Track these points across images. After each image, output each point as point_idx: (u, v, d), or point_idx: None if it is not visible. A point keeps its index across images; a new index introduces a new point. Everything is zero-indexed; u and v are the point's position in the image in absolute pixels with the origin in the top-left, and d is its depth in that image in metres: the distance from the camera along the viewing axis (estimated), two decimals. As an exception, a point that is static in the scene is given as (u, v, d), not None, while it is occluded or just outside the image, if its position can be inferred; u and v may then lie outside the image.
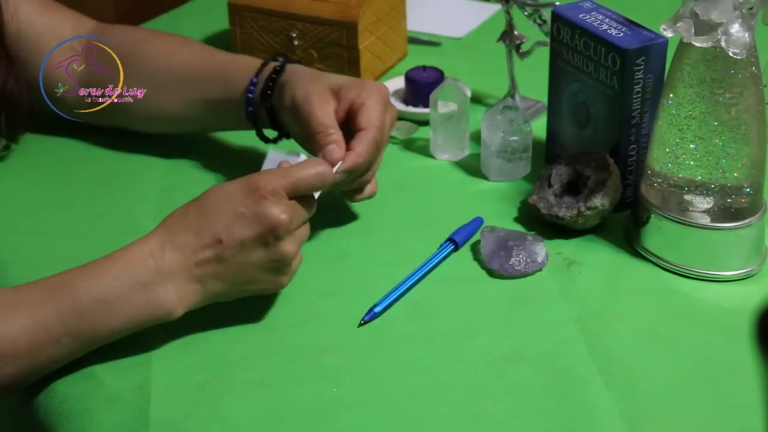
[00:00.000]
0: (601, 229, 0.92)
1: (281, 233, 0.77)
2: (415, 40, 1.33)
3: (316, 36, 1.21)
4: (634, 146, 0.93)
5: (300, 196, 0.79)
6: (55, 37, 1.04)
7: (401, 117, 1.12)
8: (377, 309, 0.83)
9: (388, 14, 1.25)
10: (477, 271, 0.89)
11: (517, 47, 1.12)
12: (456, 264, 0.90)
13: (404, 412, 0.73)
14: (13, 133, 1.05)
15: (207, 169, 1.04)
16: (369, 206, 0.97)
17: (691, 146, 0.84)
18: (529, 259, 0.87)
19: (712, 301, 0.85)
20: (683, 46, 0.83)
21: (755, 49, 0.81)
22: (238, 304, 0.83)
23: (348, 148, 0.86)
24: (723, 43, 0.79)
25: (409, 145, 1.09)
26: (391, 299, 0.84)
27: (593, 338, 0.80)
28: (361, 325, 0.82)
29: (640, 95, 0.91)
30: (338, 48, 1.20)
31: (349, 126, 0.89)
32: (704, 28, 0.80)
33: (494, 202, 0.98)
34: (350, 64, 1.20)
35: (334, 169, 0.83)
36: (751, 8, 0.79)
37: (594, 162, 0.92)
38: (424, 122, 1.10)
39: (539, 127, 1.06)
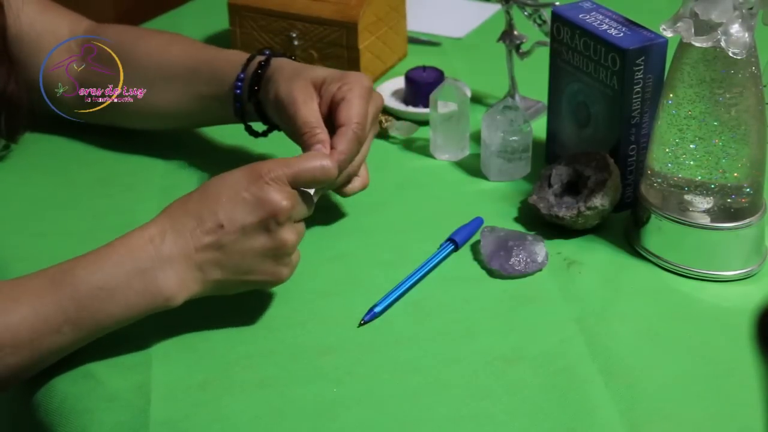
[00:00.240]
0: (601, 229, 0.92)
1: (282, 219, 0.77)
2: (415, 40, 1.33)
3: (316, 36, 1.21)
4: (634, 146, 0.93)
5: (300, 191, 0.80)
6: (53, 37, 1.04)
7: (401, 117, 1.12)
8: (377, 309, 0.83)
9: (388, 14, 1.25)
10: (477, 271, 0.89)
11: (517, 47, 1.12)
12: (456, 264, 0.90)
13: (404, 412, 0.73)
14: (12, 133, 1.05)
15: (207, 170, 1.04)
16: (369, 206, 0.97)
17: (691, 146, 0.84)
18: (529, 259, 0.87)
19: (712, 301, 0.85)
20: (683, 46, 0.83)
21: (755, 49, 0.81)
22: (239, 304, 0.83)
23: (330, 146, 0.86)
24: (723, 43, 0.79)
25: (409, 145, 1.09)
26: (391, 299, 0.84)
27: (593, 338, 0.80)
28: (361, 325, 0.82)
29: (640, 95, 0.91)
30: (338, 48, 1.20)
31: (332, 120, 0.89)
32: (704, 28, 0.80)
33: (494, 202, 0.98)
34: (350, 64, 1.20)
35: None
36: (751, 8, 0.79)
37: (594, 162, 0.92)
38: (424, 122, 1.10)
39: (539, 127, 1.06)
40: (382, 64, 1.25)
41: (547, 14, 1.07)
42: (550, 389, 0.75)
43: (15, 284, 0.75)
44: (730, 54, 0.79)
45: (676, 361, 0.78)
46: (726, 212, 0.85)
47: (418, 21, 1.37)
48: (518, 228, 0.93)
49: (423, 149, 1.08)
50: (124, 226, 0.79)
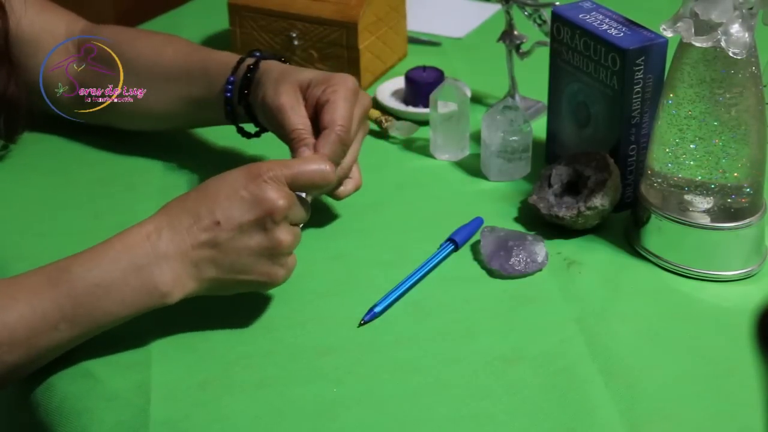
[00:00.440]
0: (601, 229, 0.92)
1: (278, 218, 0.77)
2: (415, 40, 1.33)
3: (316, 36, 1.21)
4: (634, 146, 0.93)
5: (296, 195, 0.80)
6: (51, 37, 1.04)
7: (401, 117, 1.12)
8: (377, 309, 0.83)
9: (388, 14, 1.25)
10: (477, 271, 0.89)
11: (517, 47, 1.12)
12: (456, 264, 0.90)
13: (404, 412, 0.73)
14: (11, 134, 1.05)
15: (207, 169, 1.04)
16: (368, 206, 0.97)
17: (691, 146, 0.84)
18: (529, 259, 0.87)
19: (712, 301, 0.85)
20: (683, 46, 0.83)
21: (755, 49, 0.81)
22: (238, 305, 0.83)
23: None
24: (723, 43, 0.79)
25: (409, 145, 1.09)
26: (391, 299, 0.84)
27: (593, 338, 0.80)
28: (361, 325, 0.82)
29: (640, 95, 0.91)
30: (338, 48, 1.20)
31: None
32: (704, 28, 0.80)
33: (494, 202, 0.98)
34: (350, 64, 1.20)
35: None
36: (751, 8, 0.79)
37: (594, 162, 0.92)
38: (424, 122, 1.10)
39: (539, 127, 1.06)
40: (382, 64, 1.25)
41: (547, 14, 1.07)
42: (550, 389, 0.75)
43: (12, 282, 0.75)
44: (730, 54, 0.79)
45: (676, 361, 0.78)
46: (726, 212, 0.85)
47: (418, 21, 1.37)
48: (518, 228, 0.93)
49: (423, 149, 1.08)
50: (124, 225, 0.79)
